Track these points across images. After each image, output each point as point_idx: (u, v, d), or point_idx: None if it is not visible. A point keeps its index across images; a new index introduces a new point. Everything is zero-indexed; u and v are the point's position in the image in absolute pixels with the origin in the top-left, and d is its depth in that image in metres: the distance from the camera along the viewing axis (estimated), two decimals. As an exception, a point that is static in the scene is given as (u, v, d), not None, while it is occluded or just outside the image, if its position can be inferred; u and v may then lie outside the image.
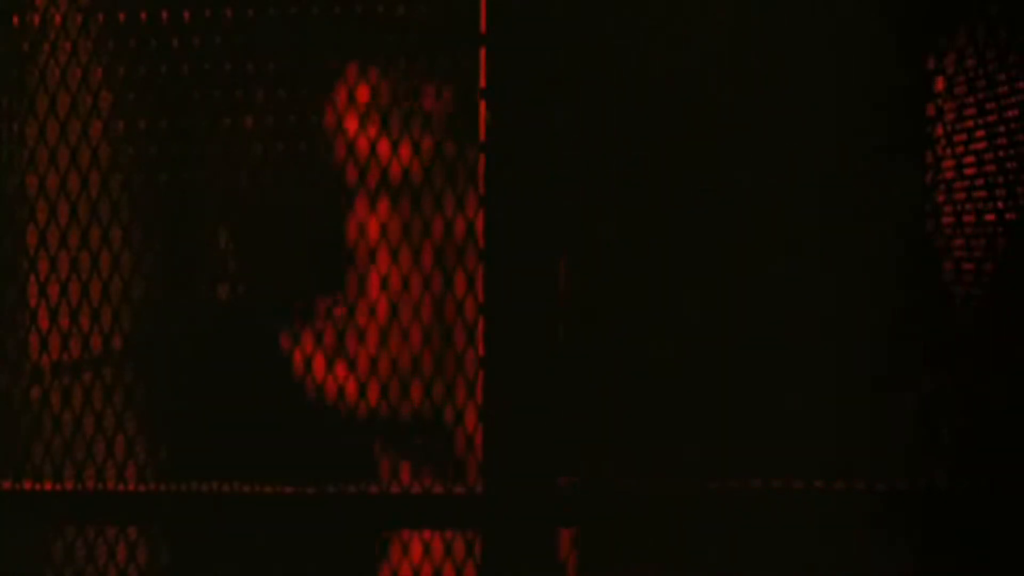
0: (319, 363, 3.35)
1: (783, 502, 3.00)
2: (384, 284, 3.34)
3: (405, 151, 3.40)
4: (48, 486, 3.12)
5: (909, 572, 3.01)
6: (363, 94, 3.38)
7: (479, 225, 3.05)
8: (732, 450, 3.22)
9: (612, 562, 3.24)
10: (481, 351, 3.05)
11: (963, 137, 3.14)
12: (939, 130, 3.17)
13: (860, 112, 3.28)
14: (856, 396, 3.25)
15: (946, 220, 3.17)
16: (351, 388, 3.35)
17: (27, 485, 3.14)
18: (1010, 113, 3.04)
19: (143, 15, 3.23)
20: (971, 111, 3.11)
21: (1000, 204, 3.04)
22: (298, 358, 3.35)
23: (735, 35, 3.25)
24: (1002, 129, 3.05)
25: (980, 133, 3.10)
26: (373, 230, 3.43)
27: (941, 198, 3.16)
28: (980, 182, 3.10)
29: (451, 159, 3.27)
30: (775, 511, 3.00)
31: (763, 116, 3.40)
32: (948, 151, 3.14)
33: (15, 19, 3.25)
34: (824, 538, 3.02)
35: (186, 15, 3.22)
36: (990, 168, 3.06)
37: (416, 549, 3.21)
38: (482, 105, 3.03)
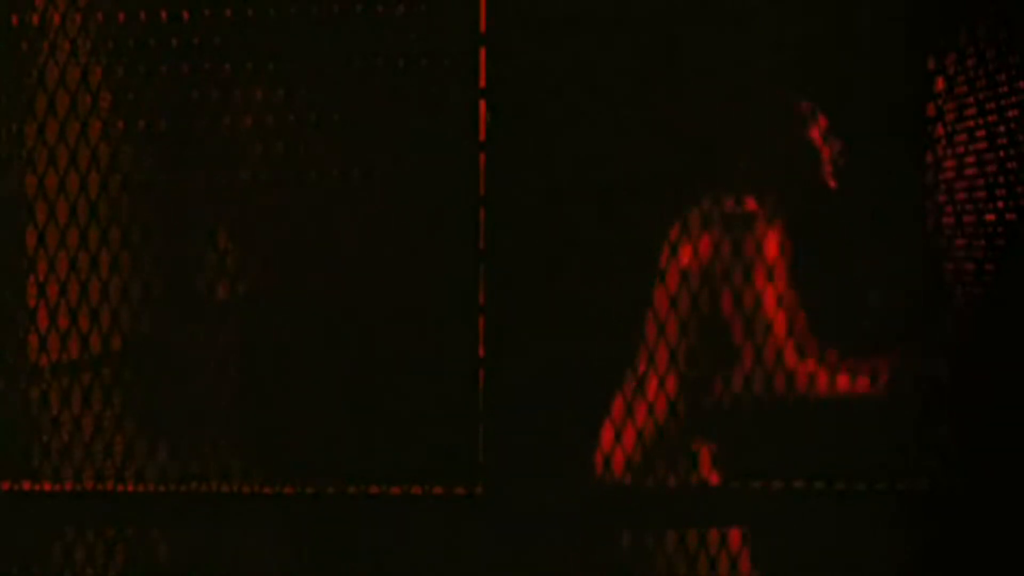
0: None
1: (784, 502, 3.00)
2: None
3: None
4: (47, 486, 3.11)
5: (909, 572, 3.01)
6: None
7: (479, 225, 3.05)
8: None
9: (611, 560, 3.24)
10: (481, 351, 3.04)
11: (963, 137, 3.14)
12: (939, 130, 3.17)
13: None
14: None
15: (946, 220, 3.18)
16: None
17: (26, 485, 3.13)
18: (1011, 113, 3.04)
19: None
20: (971, 111, 3.11)
21: (1000, 204, 3.04)
22: None
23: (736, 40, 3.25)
24: (1002, 129, 3.05)
25: (981, 133, 3.10)
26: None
27: (942, 198, 3.16)
28: (980, 182, 3.10)
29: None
30: (777, 511, 3.00)
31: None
32: (948, 151, 3.14)
33: (14, 19, 3.25)
34: (825, 538, 3.02)
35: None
36: (991, 168, 3.07)
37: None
38: (482, 105, 3.02)
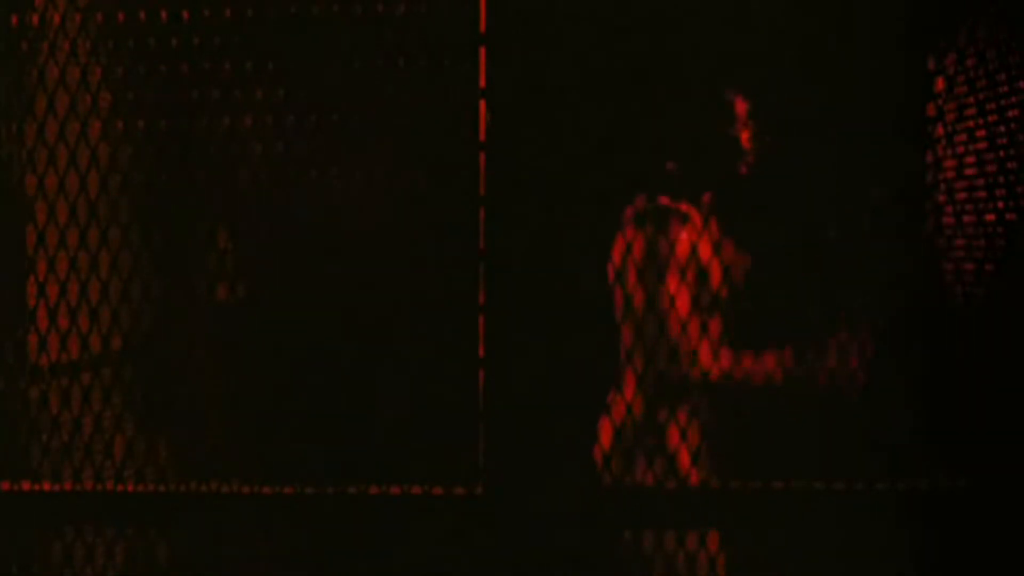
0: None
1: (784, 502, 3.00)
2: None
3: None
4: (47, 486, 3.11)
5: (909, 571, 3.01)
6: None
7: (479, 225, 3.04)
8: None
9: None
10: (481, 351, 3.04)
11: (963, 137, 3.14)
12: (939, 130, 3.17)
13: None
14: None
15: (946, 220, 3.18)
16: None
17: (26, 485, 3.13)
18: (1011, 113, 3.04)
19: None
20: (971, 111, 3.11)
21: (1000, 204, 3.04)
22: None
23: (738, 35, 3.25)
24: (1002, 129, 3.05)
25: (981, 133, 3.10)
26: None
27: (942, 198, 3.16)
28: (980, 182, 3.10)
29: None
30: (776, 511, 3.00)
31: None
32: (948, 151, 3.14)
33: (14, 19, 3.25)
34: (824, 538, 3.02)
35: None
36: (991, 168, 3.06)
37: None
38: (482, 105, 3.02)
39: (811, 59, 3.25)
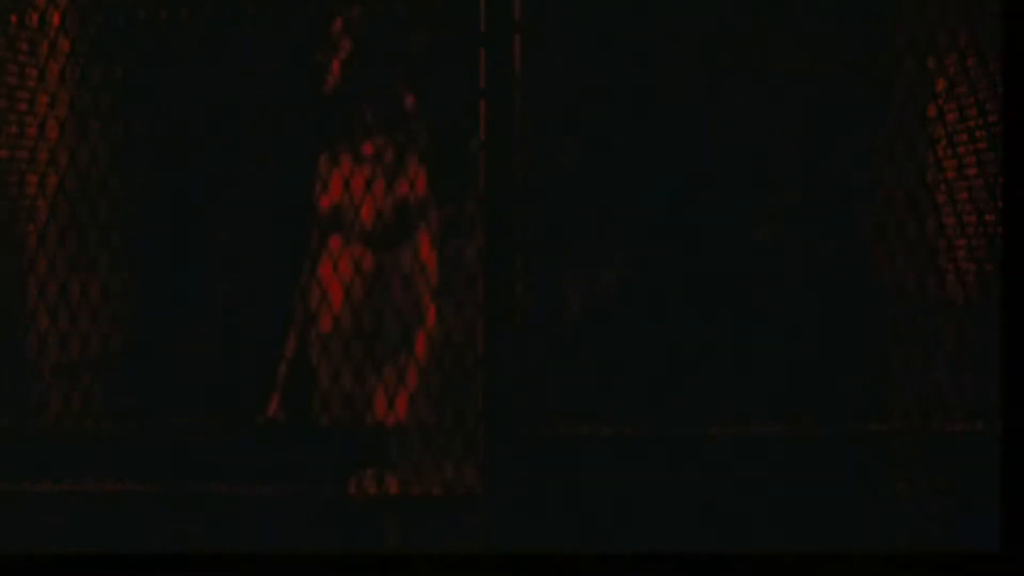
0: None
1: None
2: None
3: None
4: (47, 486, 3.12)
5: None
6: None
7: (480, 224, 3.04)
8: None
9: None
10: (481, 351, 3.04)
11: (964, 137, 3.14)
12: (939, 130, 3.17)
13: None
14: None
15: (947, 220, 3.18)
16: None
17: (26, 485, 3.14)
18: (1011, 114, 3.03)
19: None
20: (972, 111, 3.11)
21: (1000, 204, 3.03)
22: None
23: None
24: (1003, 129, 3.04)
25: (980, 133, 3.10)
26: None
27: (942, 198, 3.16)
28: (980, 182, 3.10)
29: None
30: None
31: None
32: (948, 151, 3.14)
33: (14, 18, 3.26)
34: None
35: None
36: (991, 168, 3.06)
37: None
38: (482, 104, 3.02)
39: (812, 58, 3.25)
